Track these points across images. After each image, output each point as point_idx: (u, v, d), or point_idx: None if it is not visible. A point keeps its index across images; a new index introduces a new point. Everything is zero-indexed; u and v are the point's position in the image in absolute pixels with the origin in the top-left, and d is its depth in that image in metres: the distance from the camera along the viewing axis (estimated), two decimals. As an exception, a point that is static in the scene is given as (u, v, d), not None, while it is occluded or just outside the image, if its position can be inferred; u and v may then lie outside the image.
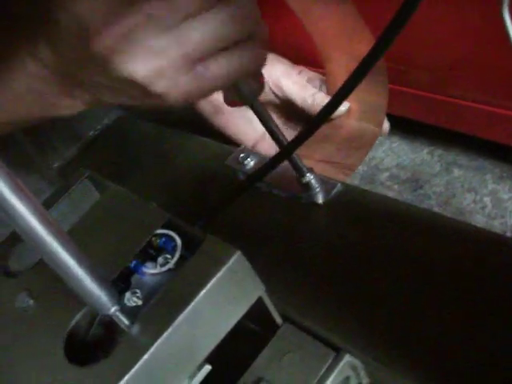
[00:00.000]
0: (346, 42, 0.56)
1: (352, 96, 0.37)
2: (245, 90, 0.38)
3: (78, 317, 0.34)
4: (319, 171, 0.48)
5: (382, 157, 0.62)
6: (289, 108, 0.62)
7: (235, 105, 0.41)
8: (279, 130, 0.44)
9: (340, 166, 0.58)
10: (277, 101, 0.60)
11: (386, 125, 0.59)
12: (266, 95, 0.59)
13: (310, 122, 0.43)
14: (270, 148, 0.63)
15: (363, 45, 0.55)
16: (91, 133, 0.71)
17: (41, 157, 0.71)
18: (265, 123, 0.43)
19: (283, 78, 0.58)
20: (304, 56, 0.63)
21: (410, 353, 0.35)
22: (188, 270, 0.33)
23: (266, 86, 0.58)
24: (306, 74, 0.60)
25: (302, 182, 0.47)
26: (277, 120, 0.63)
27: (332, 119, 0.58)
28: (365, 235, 0.43)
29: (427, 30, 0.51)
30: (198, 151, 0.60)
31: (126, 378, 0.29)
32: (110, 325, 0.35)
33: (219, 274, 0.31)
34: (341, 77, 0.58)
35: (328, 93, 0.61)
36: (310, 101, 0.58)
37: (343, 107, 0.57)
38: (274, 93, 0.59)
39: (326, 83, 0.60)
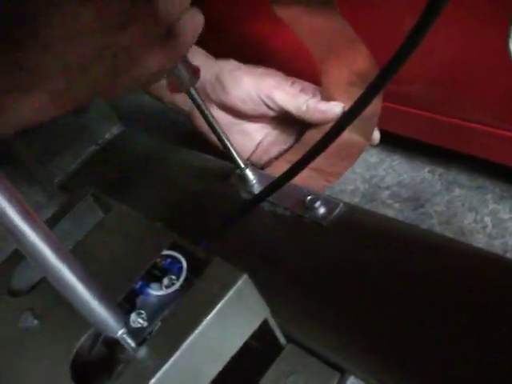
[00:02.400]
0: (345, 55, 0.57)
1: (347, 106, 0.38)
2: (182, 77, 0.44)
3: (83, 338, 0.34)
4: (303, 177, 0.48)
5: (383, 175, 0.62)
6: (283, 119, 0.62)
7: (175, 91, 0.46)
8: (217, 122, 0.50)
9: (324, 173, 0.59)
10: (271, 113, 0.61)
11: (377, 135, 0.60)
12: (259, 108, 0.60)
13: (318, 141, 0.43)
14: (264, 154, 0.64)
15: (361, 60, 0.55)
16: (93, 147, 0.71)
17: (42, 171, 0.71)
18: (202, 112, 0.49)
19: (275, 90, 0.59)
20: (298, 71, 0.63)
21: (417, 376, 0.35)
22: (195, 292, 0.33)
23: (259, 99, 0.59)
24: (299, 85, 0.61)
25: (306, 202, 0.48)
26: (271, 132, 0.64)
27: (325, 127, 0.59)
28: (368, 255, 0.43)
29: (430, 49, 0.52)
30: (201, 168, 0.60)
31: (133, 402, 0.29)
32: (114, 345, 0.35)
33: (226, 298, 0.31)
34: (339, 90, 0.59)
35: None
36: (303, 107, 0.58)
37: (338, 108, 0.58)
38: (267, 105, 0.60)
39: (321, 96, 0.61)
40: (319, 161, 0.60)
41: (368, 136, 0.58)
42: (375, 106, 0.57)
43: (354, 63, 0.56)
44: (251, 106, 0.60)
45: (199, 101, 0.48)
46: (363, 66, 0.55)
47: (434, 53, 0.52)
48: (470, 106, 0.52)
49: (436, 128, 0.56)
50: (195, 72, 0.45)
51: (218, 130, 0.50)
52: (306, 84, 0.62)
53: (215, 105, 0.62)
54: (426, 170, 0.61)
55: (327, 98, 0.60)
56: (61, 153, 0.70)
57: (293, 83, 0.60)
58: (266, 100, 0.59)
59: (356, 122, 0.58)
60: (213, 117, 0.49)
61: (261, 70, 0.61)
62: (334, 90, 0.59)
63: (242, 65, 0.61)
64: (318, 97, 0.60)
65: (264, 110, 0.60)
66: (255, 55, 0.65)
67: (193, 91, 0.47)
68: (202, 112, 0.49)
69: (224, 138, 0.50)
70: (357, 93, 0.39)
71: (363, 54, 0.55)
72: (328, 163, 0.59)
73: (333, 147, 0.58)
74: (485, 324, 0.36)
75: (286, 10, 0.56)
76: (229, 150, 0.51)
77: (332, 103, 0.58)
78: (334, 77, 0.59)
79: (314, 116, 0.59)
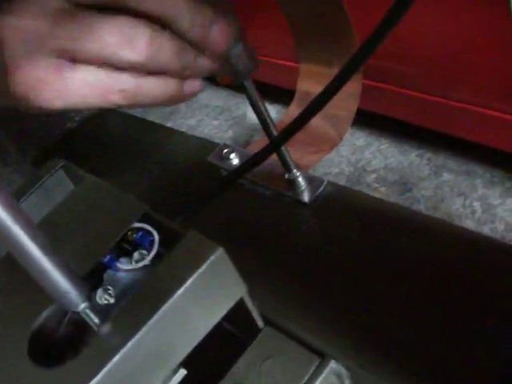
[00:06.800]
0: (327, 37, 0.54)
1: None
2: (238, 67, 0.36)
3: (44, 315, 0.32)
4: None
5: (370, 158, 0.60)
6: None
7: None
8: (269, 114, 0.43)
9: None
10: None
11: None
12: None
13: (297, 117, 0.41)
14: None
15: (344, 43, 0.53)
16: (69, 124, 0.68)
17: (15, 147, 0.68)
18: (254, 104, 0.41)
19: None
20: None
21: (399, 360, 0.33)
22: (166, 266, 0.30)
23: None
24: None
25: (288, 180, 0.45)
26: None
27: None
28: (351, 235, 0.41)
29: (420, 27, 0.50)
30: (180, 146, 0.58)
31: (94, 381, 0.27)
32: (79, 324, 0.33)
33: (199, 271, 0.29)
34: (314, 74, 0.57)
35: (298, 89, 0.59)
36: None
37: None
38: None
39: (298, 82, 0.58)
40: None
41: (342, 134, 0.56)
42: (351, 105, 0.55)
43: (338, 48, 0.54)
44: None
45: (252, 93, 0.40)
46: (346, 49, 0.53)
47: (424, 31, 0.50)
48: (460, 85, 0.50)
49: (425, 109, 0.54)
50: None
51: (270, 124, 0.43)
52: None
53: None
54: (414, 154, 0.59)
55: (302, 87, 0.58)
56: (35, 129, 0.67)
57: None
58: None
59: (332, 118, 0.56)
60: (266, 110, 0.42)
61: None
62: (311, 76, 0.57)
63: None
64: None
65: None
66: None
67: (247, 83, 0.39)
68: (254, 104, 0.41)
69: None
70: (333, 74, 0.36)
71: (350, 39, 0.52)
72: (296, 156, 0.57)
73: (302, 141, 0.56)
74: (473, 306, 0.35)
75: None
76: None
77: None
78: (314, 61, 0.57)
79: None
